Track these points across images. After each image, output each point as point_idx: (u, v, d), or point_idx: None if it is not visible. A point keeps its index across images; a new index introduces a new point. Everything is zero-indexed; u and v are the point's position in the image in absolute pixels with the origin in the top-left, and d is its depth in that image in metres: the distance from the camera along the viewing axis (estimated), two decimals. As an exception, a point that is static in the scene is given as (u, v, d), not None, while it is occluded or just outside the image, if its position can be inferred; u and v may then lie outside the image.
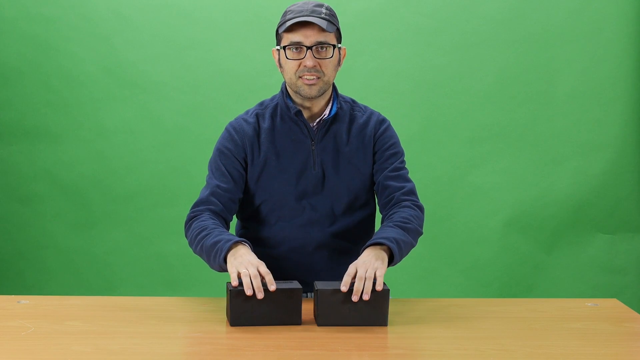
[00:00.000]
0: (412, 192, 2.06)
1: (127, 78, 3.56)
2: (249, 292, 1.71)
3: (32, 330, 1.70)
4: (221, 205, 2.01)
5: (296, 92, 2.01)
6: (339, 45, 2.01)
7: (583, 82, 3.50)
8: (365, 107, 2.14)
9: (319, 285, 1.77)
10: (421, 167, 3.45)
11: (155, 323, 1.76)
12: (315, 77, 1.95)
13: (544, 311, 1.89)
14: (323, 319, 1.74)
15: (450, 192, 3.57)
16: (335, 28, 1.98)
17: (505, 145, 3.55)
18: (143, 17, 3.53)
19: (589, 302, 1.97)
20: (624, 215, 3.56)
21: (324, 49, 1.95)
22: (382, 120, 2.12)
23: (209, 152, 2.11)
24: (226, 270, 1.83)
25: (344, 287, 1.74)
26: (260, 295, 1.71)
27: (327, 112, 2.06)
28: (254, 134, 2.06)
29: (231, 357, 1.56)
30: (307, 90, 1.97)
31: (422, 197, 2.13)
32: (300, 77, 1.96)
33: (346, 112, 2.09)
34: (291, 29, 1.94)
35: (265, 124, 2.06)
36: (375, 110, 2.15)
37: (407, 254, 1.93)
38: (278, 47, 2.00)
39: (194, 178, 3.17)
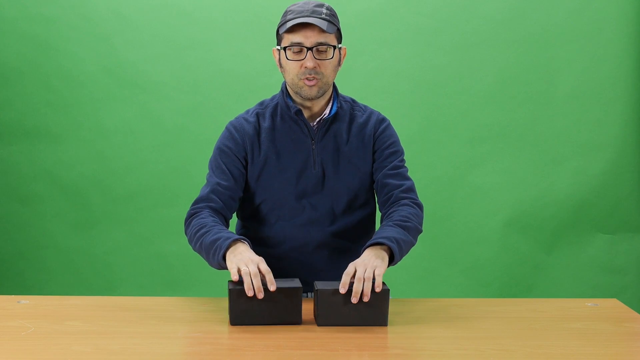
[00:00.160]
0: (411, 189, 2.06)
1: (127, 78, 3.56)
2: (250, 293, 1.71)
3: (32, 330, 1.70)
4: (221, 203, 2.01)
5: (297, 93, 2.01)
6: (339, 45, 2.01)
7: (583, 82, 3.50)
8: (365, 106, 2.14)
9: (319, 285, 1.77)
10: (421, 167, 3.45)
11: (155, 323, 1.76)
12: (315, 78, 1.96)
13: (544, 311, 1.89)
14: (323, 319, 1.74)
15: (450, 192, 3.57)
16: (336, 29, 1.98)
17: (505, 145, 3.55)
18: (143, 17, 3.53)
19: (589, 302, 1.97)
20: (624, 215, 3.56)
21: (325, 50, 1.95)
22: (382, 120, 2.12)
23: (208, 152, 2.12)
24: (225, 268, 1.83)
25: (342, 289, 1.73)
26: (260, 295, 1.72)
27: (327, 111, 2.07)
28: (254, 133, 2.06)
29: (231, 357, 1.56)
30: (307, 91, 1.98)
31: (422, 197, 2.13)
32: (301, 78, 1.96)
33: (346, 112, 2.10)
34: (292, 29, 1.94)
35: (266, 123, 2.07)
36: (375, 110, 2.15)
37: (407, 252, 1.93)
38: (278, 47, 2.01)
39: (194, 178, 3.17)
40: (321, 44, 1.94)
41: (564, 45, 3.49)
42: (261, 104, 2.12)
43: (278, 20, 2.03)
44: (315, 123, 2.06)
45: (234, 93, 3.55)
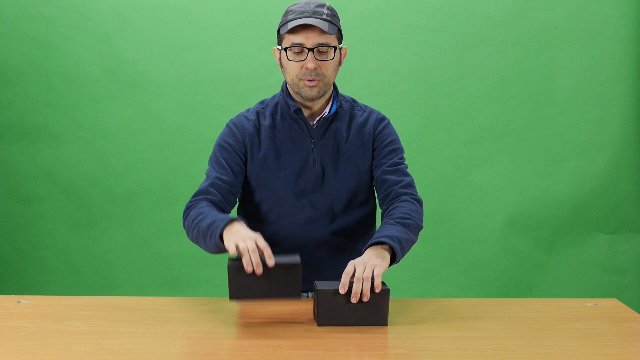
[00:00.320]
0: (411, 185, 2.06)
1: (127, 78, 3.56)
2: (248, 269, 1.70)
3: (32, 330, 1.70)
4: (220, 196, 2.01)
5: (297, 93, 2.01)
6: (340, 45, 2.01)
7: (583, 82, 3.50)
8: (365, 106, 2.15)
9: (319, 285, 1.77)
10: (421, 167, 3.45)
11: (155, 323, 1.76)
12: (316, 79, 1.96)
13: (544, 311, 1.89)
14: (323, 319, 1.74)
15: (450, 192, 3.57)
16: (337, 29, 1.98)
17: (505, 145, 3.55)
18: (143, 17, 3.53)
19: (589, 302, 1.97)
20: (624, 215, 3.56)
21: (326, 51, 1.95)
22: (382, 119, 2.12)
23: (208, 152, 2.12)
24: (223, 250, 1.81)
25: (342, 289, 1.73)
26: (259, 270, 1.71)
27: (327, 110, 2.07)
28: (255, 130, 2.06)
29: (231, 357, 1.56)
30: (308, 92, 1.98)
31: (422, 198, 2.12)
32: (302, 79, 1.97)
33: (346, 111, 2.10)
34: (293, 30, 1.94)
35: (266, 122, 2.07)
36: (375, 109, 2.15)
37: (408, 250, 1.93)
38: (279, 47, 2.01)
39: (194, 178, 3.16)
40: (322, 45, 1.94)
41: (564, 45, 3.49)
42: (262, 102, 2.13)
43: (278, 20, 2.04)
44: (315, 122, 2.06)
45: (234, 93, 3.55)
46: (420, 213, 2.02)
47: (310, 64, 1.94)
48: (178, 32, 3.54)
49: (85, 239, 3.63)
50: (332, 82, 2.03)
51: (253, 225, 2.11)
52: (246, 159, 2.06)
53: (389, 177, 2.05)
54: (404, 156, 2.12)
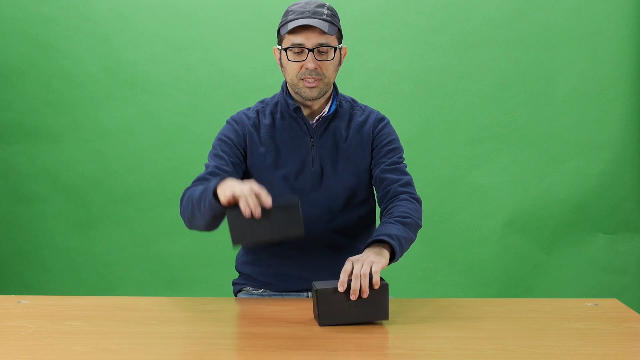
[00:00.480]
0: (410, 184, 2.06)
1: (127, 78, 3.56)
2: (247, 212, 1.66)
3: (32, 330, 1.70)
4: None
5: (297, 93, 2.01)
6: (340, 45, 2.01)
7: (583, 82, 3.50)
8: (365, 106, 2.15)
9: (318, 285, 1.76)
10: (421, 167, 3.45)
11: (155, 323, 1.76)
12: (316, 79, 1.96)
13: (544, 311, 1.89)
14: (324, 319, 1.74)
15: (450, 192, 3.57)
16: (337, 29, 1.98)
17: (505, 145, 3.54)
18: (143, 17, 3.53)
19: (589, 302, 1.97)
20: (624, 215, 3.56)
21: (326, 51, 1.96)
22: (381, 118, 2.13)
23: (208, 152, 2.11)
24: (218, 212, 1.77)
25: (341, 287, 1.73)
26: (257, 211, 1.67)
27: (326, 109, 2.07)
28: (254, 128, 2.07)
29: (231, 357, 1.55)
30: (308, 92, 1.98)
31: (422, 198, 2.12)
32: (302, 79, 1.97)
33: (346, 111, 2.10)
34: (293, 30, 1.94)
35: (266, 120, 2.07)
36: (375, 109, 2.15)
37: (407, 249, 1.93)
38: (279, 47, 2.01)
39: (194, 178, 3.17)
40: (322, 45, 1.94)
41: (564, 45, 3.49)
42: (262, 102, 2.14)
43: (278, 20, 2.04)
44: (314, 121, 2.07)
45: (234, 93, 3.55)
46: (419, 212, 2.02)
47: (310, 64, 1.94)
48: (178, 32, 3.54)
49: (85, 239, 3.63)
50: (332, 82, 2.03)
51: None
52: (246, 154, 2.06)
53: (388, 175, 2.05)
54: (403, 156, 2.12)
